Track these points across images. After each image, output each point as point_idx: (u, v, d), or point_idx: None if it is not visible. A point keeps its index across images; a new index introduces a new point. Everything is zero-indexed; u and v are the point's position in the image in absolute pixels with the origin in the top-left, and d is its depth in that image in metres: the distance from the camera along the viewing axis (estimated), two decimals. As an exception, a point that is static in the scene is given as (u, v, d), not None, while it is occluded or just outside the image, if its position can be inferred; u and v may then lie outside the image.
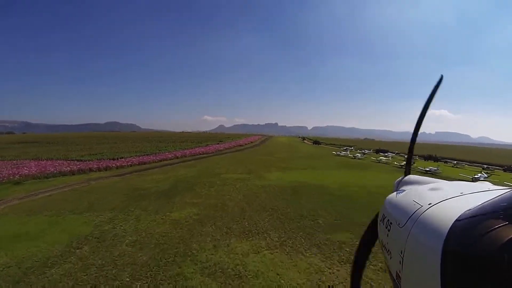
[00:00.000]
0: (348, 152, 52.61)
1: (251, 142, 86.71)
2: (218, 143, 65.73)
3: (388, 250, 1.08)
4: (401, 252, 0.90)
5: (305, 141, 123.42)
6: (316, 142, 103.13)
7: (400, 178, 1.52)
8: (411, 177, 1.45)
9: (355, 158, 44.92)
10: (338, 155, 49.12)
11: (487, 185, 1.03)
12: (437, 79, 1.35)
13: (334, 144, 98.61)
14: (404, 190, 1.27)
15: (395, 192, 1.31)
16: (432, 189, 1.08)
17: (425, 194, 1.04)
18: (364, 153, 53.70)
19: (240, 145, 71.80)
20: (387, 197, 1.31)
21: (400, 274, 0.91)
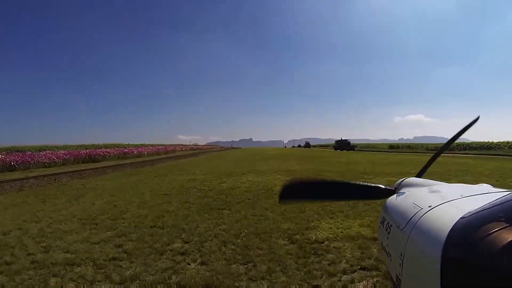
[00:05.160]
0: None
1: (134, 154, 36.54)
2: None
3: (388, 253, 1.09)
4: (401, 255, 0.91)
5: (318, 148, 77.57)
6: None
7: (400, 180, 1.50)
8: (411, 179, 1.44)
9: None
10: None
11: (487, 187, 1.04)
12: (473, 118, 1.43)
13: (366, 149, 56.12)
14: (404, 193, 1.27)
15: (395, 194, 1.31)
16: (432, 191, 1.08)
17: (425, 197, 1.04)
18: None
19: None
20: (387, 200, 1.32)
21: (400, 277, 0.92)
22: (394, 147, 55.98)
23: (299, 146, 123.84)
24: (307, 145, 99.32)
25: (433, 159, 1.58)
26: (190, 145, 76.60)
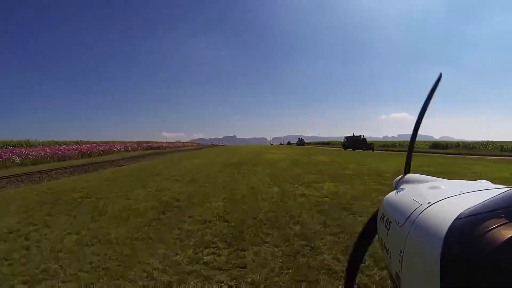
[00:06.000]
0: None
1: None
2: None
3: (388, 250, 1.08)
4: (401, 252, 0.90)
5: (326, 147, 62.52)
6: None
7: (400, 176, 1.51)
8: (411, 175, 1.44)
9: None
10: None
11: (487, 184, 1.05)
12: (436, 77, 1.43)
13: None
14: (403, 189, 1.27)
15: (395, 191, 1.32)
16: (432, 187, 1.08)
17: (424, 193, 1.04)
18: None
19: None
20: (387, 196, 1.31)
21: (399, 274, 0.91)
22: (440, 146, 39.64)
23: (289, 143, 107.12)
24: (301, 142, 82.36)
25: (410, 151, 1.52)
26: (158, 142, 57.53)
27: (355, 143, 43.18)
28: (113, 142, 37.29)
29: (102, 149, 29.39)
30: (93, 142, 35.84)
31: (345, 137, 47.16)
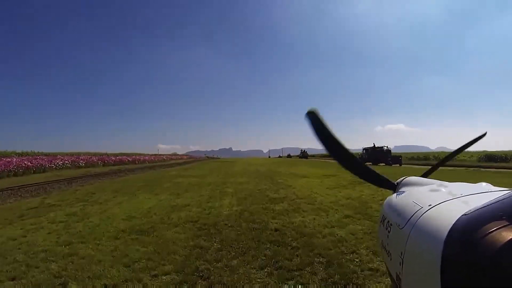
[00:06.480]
0: None
1: None
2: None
3: (388, 252, 1.09)
4: (401, 254, 0.91)
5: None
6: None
7: (400, 179, 1.50)
8: (411, 178, 1.45)
9: None
10: None
11: (488, 186, 1.05)
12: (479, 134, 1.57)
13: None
14: (404, 191, 1.28)
15: (395, 194, 1.32)
16: (432, 190, 1.09)
17: (425, 195, 1.05)
18: None
19: None
20: (387, 198, 1.33)
21: (400, 276, 0.93)
22: (496, 159, 30.39)
23: (289, 156, 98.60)
24: (304, 154, 73.94)
25: (439, 165, 1.69)
26: (144, 154, 47.99)
27: (377, 155, 34.25)
28: (66, 153, 27.41)
29: (30, 164, 19.46)
30: (54, 154, 26.36)
31: (364, 149, 38.11)
